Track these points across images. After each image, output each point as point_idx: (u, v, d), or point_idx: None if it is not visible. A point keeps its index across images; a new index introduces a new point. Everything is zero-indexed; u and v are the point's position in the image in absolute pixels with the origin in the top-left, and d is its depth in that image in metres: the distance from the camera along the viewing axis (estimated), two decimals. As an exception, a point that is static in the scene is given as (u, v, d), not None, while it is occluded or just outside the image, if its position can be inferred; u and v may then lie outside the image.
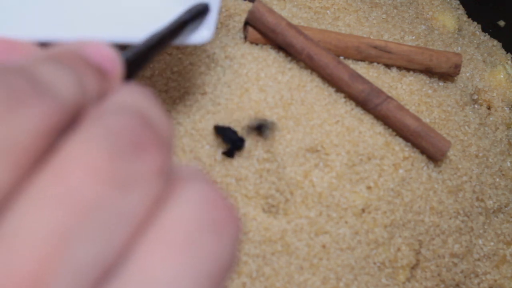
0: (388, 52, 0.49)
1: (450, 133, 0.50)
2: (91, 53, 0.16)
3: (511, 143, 0.53)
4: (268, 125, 0.44)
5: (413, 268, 0.46)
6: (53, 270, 0.12)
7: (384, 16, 0.54)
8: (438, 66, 0.50)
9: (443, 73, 0.51)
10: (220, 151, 0.43)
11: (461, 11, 0.60)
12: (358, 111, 0.46)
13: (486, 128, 0.52)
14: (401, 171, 0.46)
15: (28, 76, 0.13)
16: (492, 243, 0.49)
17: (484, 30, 0.60)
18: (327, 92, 0.46)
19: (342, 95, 0.47)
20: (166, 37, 0.22)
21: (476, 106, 0.54)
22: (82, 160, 0.13)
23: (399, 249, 0.45)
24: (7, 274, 0.12)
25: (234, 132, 0.43)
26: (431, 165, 0.47)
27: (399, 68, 0.50)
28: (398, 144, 0.46)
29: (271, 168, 0.43)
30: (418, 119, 0.46)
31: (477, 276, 0.48)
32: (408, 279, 0.46)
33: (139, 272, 0.14)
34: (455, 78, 0.53)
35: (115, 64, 0.16)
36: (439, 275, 0.46)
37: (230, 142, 0.43)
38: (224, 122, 0.44)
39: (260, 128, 0.44)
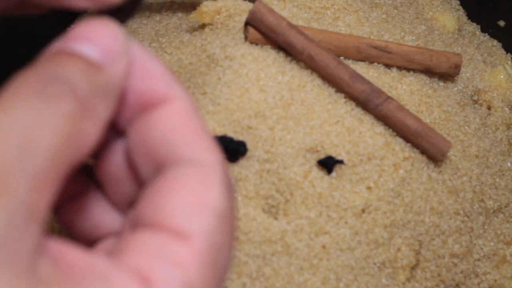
0: (388, 52, 0.49)
1: (450, 133, 0.49)
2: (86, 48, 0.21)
3: (511, 144, 0.53)
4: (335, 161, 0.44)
5: (413, 268, 0.46)
6: None
7: (384, 16, 0.54)
8: (438, 66, 0.50)
9: (443, 73, 0.51)
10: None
11: (461, 11, 0.60)
12: (358, 111, 0.46)
13: (486, 129, 0.52)
14: (401, 171, 0.46)
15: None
16: (492, 243, 0.49)
17: (484, 30, 0.60)
18: (328, 93, 0.46)
19: (343, 95, 0.47)
20: None
21: (476, 106, 0.54)
22: None
23: (399, 249, 0.45)
24: None
25: (231, 139, 0.43)
26: (431, 166, 0.47)
27: (399, 68, 0.50)
28: (398, 145, 0.46)
29: (271, 169, 0.43)
30: (418, 120, 0.46)
31: (477, 276, 0.48)
32: (408, 279, 0.46)
33: None
34: (455, 78, 0.53)
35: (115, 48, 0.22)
36: (439, 275, 0.46)
37: (232, 152, 0.43)
38: (224, 122, 0.44)
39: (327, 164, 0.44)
